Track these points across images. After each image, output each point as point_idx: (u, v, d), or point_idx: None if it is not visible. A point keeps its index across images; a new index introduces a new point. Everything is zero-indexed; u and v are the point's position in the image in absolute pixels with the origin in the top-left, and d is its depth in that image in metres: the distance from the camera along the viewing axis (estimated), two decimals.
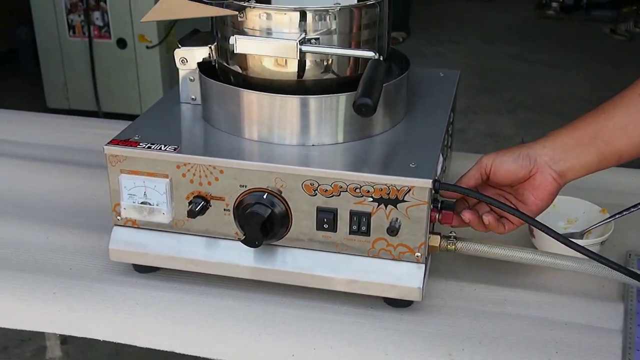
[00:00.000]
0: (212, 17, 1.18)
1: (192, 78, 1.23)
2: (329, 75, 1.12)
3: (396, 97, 1.17)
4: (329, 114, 1.10)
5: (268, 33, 1.08)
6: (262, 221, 1.04)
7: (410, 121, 1.20)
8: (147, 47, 3.76)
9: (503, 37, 5.65)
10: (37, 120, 1.74)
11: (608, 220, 1.20)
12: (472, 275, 1.17)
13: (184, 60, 1.21)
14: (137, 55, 3.79)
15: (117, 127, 1.63)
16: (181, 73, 1.23)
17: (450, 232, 1.10)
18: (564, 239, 1.03)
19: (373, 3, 1.11)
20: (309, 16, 1.07)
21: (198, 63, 1.21)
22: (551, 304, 1.11)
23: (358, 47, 1.12)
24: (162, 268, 1.17)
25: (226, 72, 1.17)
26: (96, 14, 3.75)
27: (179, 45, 1.21)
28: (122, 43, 3.78)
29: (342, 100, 1.10)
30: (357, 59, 1.13)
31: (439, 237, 1.09)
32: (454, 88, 1.33)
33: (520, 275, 1.17)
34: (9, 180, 1.44)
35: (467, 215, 1.06)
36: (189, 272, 1.15)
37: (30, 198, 1.38)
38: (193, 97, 1.24)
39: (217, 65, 1.20)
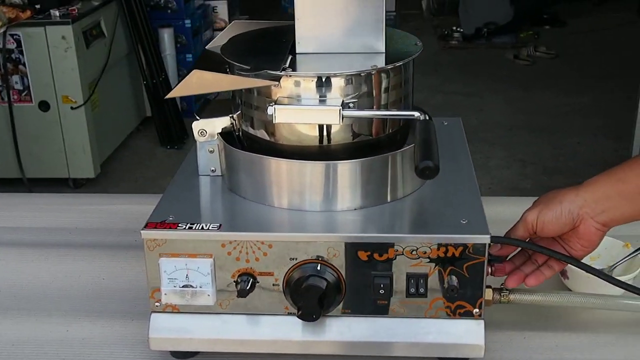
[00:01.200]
0: None
1: (211, 149, 1.19)
2: (363, 137, 1.11)
3: None
4: (373, 176, 1.09)
5: (305, 100, 1.06)
6: (320, 294, 1.01)
7: (438, 175, 1.20)
8: (72, 108, 3.65)
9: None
10: (14, 202, 1.64)
11: (634, 255, 1.23)
12: (514, 323, 1.17)
13: (202, 132, 1.17)
14: (62, 116, 3.66)
15: (94, 202, 1.59)
16: (199, 145, 1.19)
17: (502, 284, 1.10)
18: (623, 284, 1.05)
19: (404, 63, 1.10)
20: (348, 80, 1.06)
21: (219, 133, 1.17)
22: (602, 344, 1.12)
23: (388, 107, 1.11)
24: (202, 352, 1.12)
25: (255, 141, 1.14)
26: (15, 78, 3.61)
27: (197, 117, 1.17)
28: (44, 105, 3.65)
29: (384, 161, 1.09)
30: (385, 120, 1.12)
31: (491, 290, 1.08)
32: (464, 135, 1.34)
33: (559, 318, 1.18)
34: (5, 271, 1.35)
35: (531, 281, 1.08)
36: (233, 354, 1.10)
37: (36, 289, 1.30)
38: (213, 168, 1.20)
39: (240, 134, 1.17)
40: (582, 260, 1.08)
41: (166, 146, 4.31)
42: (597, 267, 1.27)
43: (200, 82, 1.06)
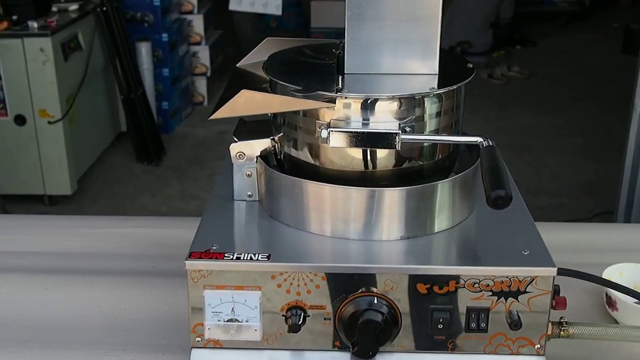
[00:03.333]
0: None
1: (248, 173, 1.12)
2: (411, 163, 1.06)
3: (474, 180, 1.12)
4: (423, 204, 1.03)
5: (359, 123, 1.00)
6: (378, 329, 0.96)
7: (484, 204, 1.15)
8: (49, 123, 3.53)
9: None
10: (12, 224, 1.55)
11: None
12: (564, 357, 1.13)
13: (240, 155, 1.11)
14: (38, 131, 3.55)
15: (100, 225, 1.51)
16: (236, 168, 1.12)
17: (561, 318, 1.05)
18: None
19: (459, 86, 1.06)
20: (405, 103, 1.00)
21: (258, 156, 1.11)
22: None
23: (439, 132, 1.06)
24: None
25: (297, 165, 1.08)
26: None
27: (235, 139, 1.11)
28: (20, 120, 3.53)
29: (437, 188, 1.04)
30: (435, 145, 1.07)
31: (550, 324, 1.04)
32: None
33: (611, 353, 1.14)
34: (13, 300, 1.26)
35: None
36: None
37: (50, 319, 1.21)
38: (249, 193, 1.13)
39: (282, 157, 1.11)
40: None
41: (143, 162, 4.21)
42: None
43: (248, 102, 1.00)
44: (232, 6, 4.08)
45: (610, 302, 1.19)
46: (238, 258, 0.98)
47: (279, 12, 4.10)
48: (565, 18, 7.58)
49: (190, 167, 4.16)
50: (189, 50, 5.00)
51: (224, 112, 1.00)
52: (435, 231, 1.05)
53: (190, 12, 4.97)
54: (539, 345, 1.00)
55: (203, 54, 5.07)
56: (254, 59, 1.22)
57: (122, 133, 4.40)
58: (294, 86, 1.01)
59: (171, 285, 1.27)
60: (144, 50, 4.38)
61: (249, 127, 1.15)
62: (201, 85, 5.14)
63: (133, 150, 4.24)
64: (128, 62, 4.13)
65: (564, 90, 5.52)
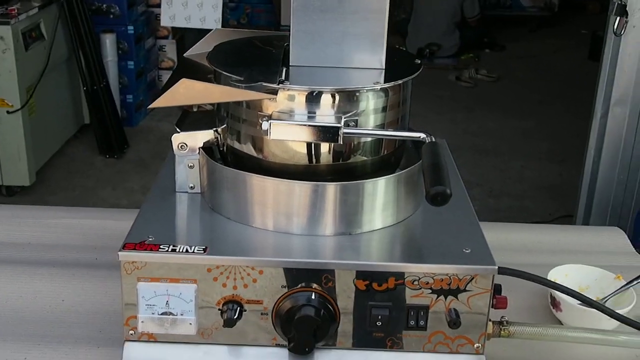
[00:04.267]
0: None
1: (191, 164, 1.10)
2: (356, 158, 1.04)
3: (419, 177, 1.10)
4: (368, 199, 1.02)
5: (302, 116, 0.99)
6: (315, 325, 0.94)
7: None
8: (8, 112, 3.47)
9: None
10: None
11: (627, 287, 1.19)
12: (504, 358, 1.12)
13: (183, 146, 1.08)
14: None
15: (48, 215, 1.47)
16: (178, 159, 1.10)
17: (502, 317, 1.05)
18: (626, 319, 1.01)
19: (405, 81, 1.04)
20: (350, 97, 0.99)
21: (200, 148, 1.09)
22: None
23: (385, 127, 1.05)
24: None
25: (240, 157, 1.06)
26: None
27: (177, 130, 1.08)
28: None
29: (381, 184, 1.03)
30: (381, 141, 1.06)
31: (491, 323, 1.03)
32: (451, 158, 1.29)
33: (552, 354, 1.13)
34: None
35: None
36: None
37: None
38: (191, 185, 1.11)
39: (224, 149, 1.09)
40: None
41: (105, 155, 4.15)
42: None
43: (188, 92, 0.98)
44: (165, 22, 3.85)
45: (555, 303, 1.18)
46: (173, 250, 0.96)
47: (218, 25, 3.80)
48: (535, 23, 7.64)
49: (153, 161, 4.11)
50: (155, 44, 4.94)
51: (163, 101, 0.98)
52: (378, 227, 1.04)
53: (158, 6, 4.91)
54: (478, 345, 0.99)
55: (170, 48, 5.01)
56: (202, 49, 1.20)
57: (85, 125, 4.34)
58: (236, 76, 0.99)
59: (112, 278, 1.23)
60: (109, 42, 4.31)
61: (193, 118, 1.12)
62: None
63: (96, 142, 4.18)
64: (92, 53, 4.06)
65: (532, 95, 5.54)
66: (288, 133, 0.97)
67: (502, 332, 1.03)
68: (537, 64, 6.44)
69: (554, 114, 5.05)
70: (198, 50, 1.21)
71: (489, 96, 5.59)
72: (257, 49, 1.15)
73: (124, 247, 0.96)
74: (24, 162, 3.54)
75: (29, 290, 1.23)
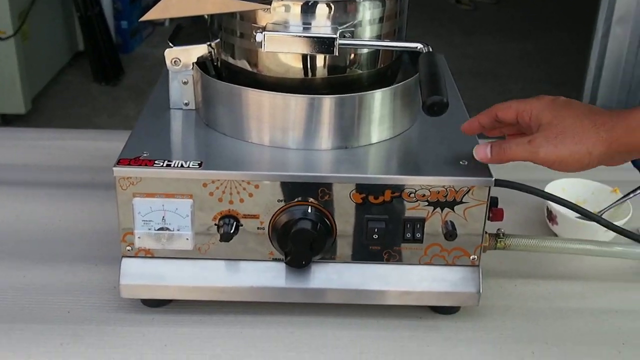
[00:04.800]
0: None
1: (185, 80, 1.08)
2: (352, 71, 1.03)
3: (416, 90, 1.09)
4: (365, 112, 1.01)
5: (296, 28, 0.96)
6: (312, 239, 0.94)
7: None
8: (1, 39, 3.42)
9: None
10: None
11: (623, 200, 1.19)
12: (503, 270, 1.13)
13: (176, 61, 1.07)
14: None
15: (42, 137, 1.46)
16: (172, 75, 1.08)
17: (498, 230, 1.05)
18: (622, 230, 1.01)
19: None
20: (345, 7, 0.96)
21: (194, 63, 1.07)
22: (595, 291, 1.09)
23: (381, 38, 1.03)
24: (174, 300, 1.03)
25: (235, 72, 1.04)
26: None
27: (170, 45, 1.06)
28: None
29: (377, 97, 1.01)
30: (378, 53, 1.04)
31: (487, 235, 1.03)
32: (449, 73, 1.27)
33: (549, 266, 1.14)
34: None
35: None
36: (209, 302, 1.02)
37: None
38: (186, 101, 1.10)
39: (219, 64, 1.07)
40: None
41: (100, 82, 4.12)
42: None
43: (181, 3, 0.96)
44: None
45: (551, 217, 1.18)
46: (169, 165, 0.95)
47: None
48: None
49: (149, 88, 4.07)
50: None
51: (155, 12, 0.95)
52: (375, 141, 1.03)
53: None
54: (474, 256, 0.99)
55: None
56: None
57: (79, 52, 4.29)
58: None
59: (108, 198, 1.22)
60: None
61: (186, 33, 1.10)
62: None
63: (90, 70, 4.13)
64: None
65: (533, 17, 5.47)
66: (283, 45, 0.95)
67: (498, 244, 1.04)
68: None
69: (554, 37, 4.99)
70: None
71: (489, 19, 5.52)
72: None
73: (119, 162, 0.95)
74: (19, 89, 3.51)
75: (25, 210, 1.23)
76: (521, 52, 4.79)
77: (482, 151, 0.94)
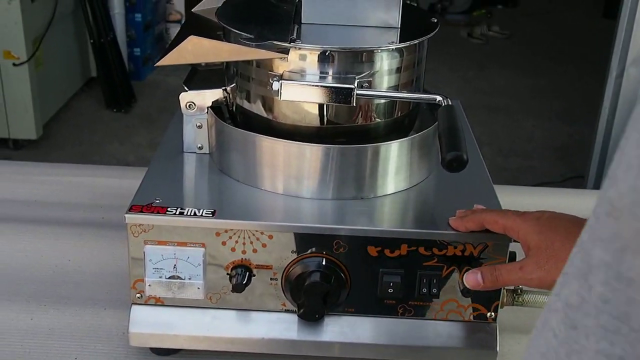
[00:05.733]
0: None
1: (199, 124, 1.07)
2: (369, 120, 1.01)
3: (434, 140, 1.07)
4: (382, 163, 0.99)
5: (313, 76, 0.95)
6: (326, 292, 0.92)
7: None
8: (14, 65, 3.43)
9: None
10: None
11: None
12: (517, 325, 1.10)
13: (191, 105, 1.06)
14: (3, 73, 3.45)
15: (54, 172, 1.45)
16: (186, 119, 1.07)
17: (516, 285, 1.02)
18: None
19: (421, 41, 1.00)
20: (363, 57, 0.95)
21: (209, 107, 1.06)
22: None
23: (399, 89, 1.01)
24: (184, 349, 1.01)
25: (249, 117, 1.03)
26: None
27: (185, 88, 1.05)
28: None
29: (394, 148, 1.00)
30: (394, 103, 1.02)
31: (504, 291, 1.01)
32: (465, 120, 1.25)
33: None
34: None
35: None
36: (219, 352, 1.00)
37: None
38: (199, 145, 1.09)
39: (234, 108, 1.06)
40: None
41: (112, 109, 4.12)
42: None
43: (196, 49, 0.95)
44: None
45: None
46: (181, 213, 0.93)
47: None
48: None
49: (161, 115, 4.08)
50: None
51: (171, 58, 0.95)
52: (391, 192, 1.01)
53: None
54: (491, 314, 0.97)
55: (178, 1, 4.94)
56: (211, 4, 1.16)
57: (92, 79, 4.30)
58: (245, 34, 0.95)
59: (119, 238, 1.21)
60: None
61: (201, 76, 1.09)
62: (175, 32, 5.00)
63: (102, 96, 4.14)
64: (99, 5, 4.01)
65: (544, 52, 5.47)
66: (299, 94, 0.94)
67: (516, 300, 1.01)
68: (550, 21, 6.34)
69: (566, 73, 4.99)
70: (207, 6, 1.17)
71: (501, 53, 5.52)
72: (267, 5, 1.11)
73: (131, 209, 0.94)
74: (31, 115, 3.52)
75: (34, 249, 1.22)
76: (533, 87, 4.79)
77: (473, 278, 0.91)
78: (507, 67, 5.14)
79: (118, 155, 3.65)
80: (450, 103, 0.94)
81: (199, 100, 1.05)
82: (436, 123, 1.03)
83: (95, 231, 1.26)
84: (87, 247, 1.23)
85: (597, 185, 2.81)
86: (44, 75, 3.63)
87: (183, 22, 0.98)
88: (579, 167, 3.51)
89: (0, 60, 3.43)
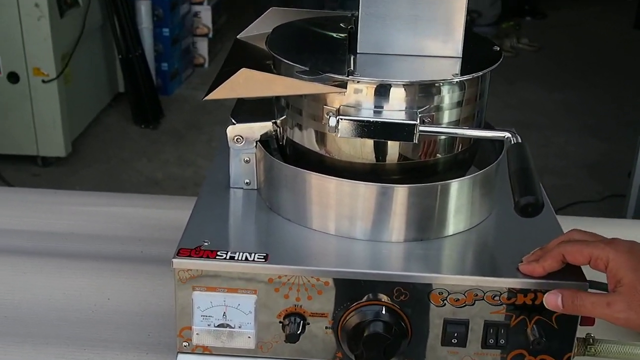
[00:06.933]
0: None
1: (247, 159, 1.02)
2: (431, 156, 0.95)
3: (495, 177, 1.01)
4: (441, 203, 0.93)
5: (371, 111, 0.89)
6: (386, 343, 0.86)
7: (505, 204, 1.04)
8: (43, 82, 3.40)
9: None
10: None
11: None
12: None
13: (238, 139, 1.00)
14: (32, 90, 3.42)
15: (91, 202, 1.40)
16: (233, 153, 1.02)
17: (587, 334, 0.96)
18: None
19: (483, 74, 0.94)
20: (423, 90, 0.89)
21: (257, 141, 1.00)
22: None
23: (460, 123, 0.95)
24: None
25: (301, 152, 0.97)
26: None
27: (233, 121, 1.00)
28: (14, 77, 3.40)
29: (455, 186, 0.93)
30: (455, 139, 0.96)
31: (575, 341, 0.94)
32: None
33: None
34: None
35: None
36: None
37: (31, 309, 1.11)
38: (247, 181, 1.03)
39: (284, 142, 1.00)
40: None
41: (140, 125, 4.09)
42: None
43: (248, 83, 0.89)
44: None
45: None
46: (232, 258, 0.88)
47: None
48: None
49: (189, 131, 4.04)
50: (190, 10, 4.84)
51: (221, 92, 0.89)
52: (451, 233, 0.95)
53: None
54: None
55: (205, 15, 4.91)
56: (257, 30, 1.11)
57: (119, 94, 4.27)
58: (300, 66, 0.90)
59: (160, 274, 1.17)
60: (144, 8, 4.23)
61: (249, 108, 1.04)
62: (202, 46, 4.99)
63: (130, 112, 4.11)
64: (127, 20, 3.98)
65: (575, 65, 5.37)
66: (358, 131, 0.88)
67: (587, 350, 0.95)
68: (580, 33, 6.23)
69: (597, 86, 4.89)
70: (253, 32, 1.12)
71: (531, 67, 5.43)
72: (319, 33, 1.06)
73: (178, 253, 0.88)
74: (59, 132, 3.49)
75: (73, 286, 1.16)
76: (563, 101, 4.70)
77: (553, 300, 0.85)
78: (537, 81, 5.05)
79: (146, 173, 3.61)
80: (520, 140, 0.88)
81: (247, 133, 1.00)
82: (499, 159, 0.97)
83: (134, 266, 1.21)
84: (126, 284, 1.17)
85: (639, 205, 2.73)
86: (73, 91, 3.60)
87: (230, 49, 0.95)
88: (614, 184, 3.42)
89: (30, 78, 3.40)
